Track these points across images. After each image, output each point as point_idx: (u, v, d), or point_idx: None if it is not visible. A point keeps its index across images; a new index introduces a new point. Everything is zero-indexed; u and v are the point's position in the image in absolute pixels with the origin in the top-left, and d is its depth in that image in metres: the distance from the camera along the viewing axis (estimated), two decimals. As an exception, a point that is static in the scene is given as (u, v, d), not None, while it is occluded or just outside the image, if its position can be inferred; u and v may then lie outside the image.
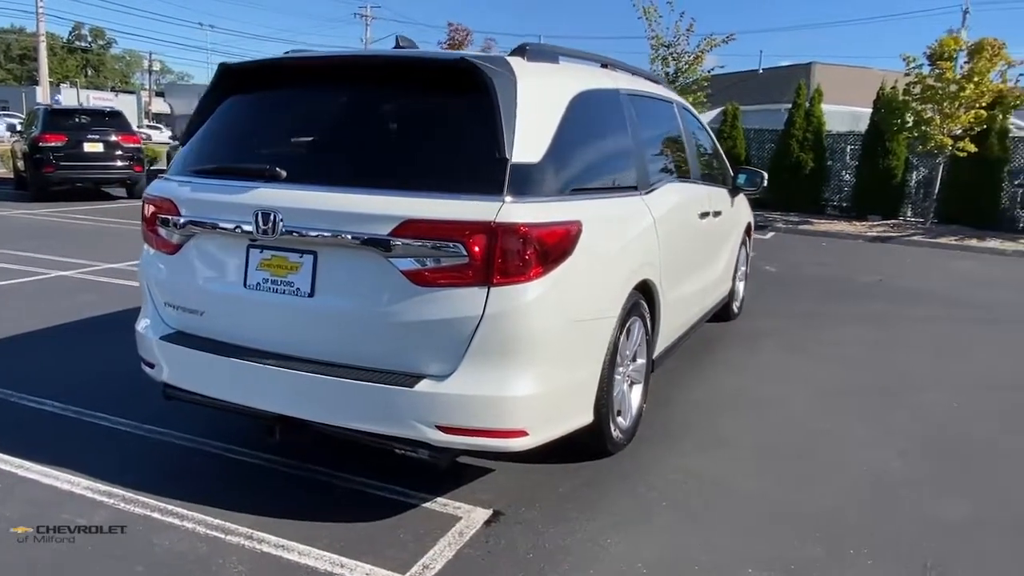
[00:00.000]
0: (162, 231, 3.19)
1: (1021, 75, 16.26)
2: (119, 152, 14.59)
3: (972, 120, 14.54)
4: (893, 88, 16.09)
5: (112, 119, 15.24)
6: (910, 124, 15.44)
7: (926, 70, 15.73)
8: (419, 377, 2.69)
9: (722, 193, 5.48)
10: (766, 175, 5.93)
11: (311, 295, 2.82)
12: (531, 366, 2.71)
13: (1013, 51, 15.27)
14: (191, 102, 9.47)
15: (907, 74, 15.79)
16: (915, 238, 14.30)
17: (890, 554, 2.86)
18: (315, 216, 2.77)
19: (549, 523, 2.98)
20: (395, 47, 3.75)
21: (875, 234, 14.82)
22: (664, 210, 3.84)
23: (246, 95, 3.33)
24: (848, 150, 18.37)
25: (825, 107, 18.46)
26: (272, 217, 2.80)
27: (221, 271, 3.07)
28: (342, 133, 3.09)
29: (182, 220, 3.08)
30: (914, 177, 17.24)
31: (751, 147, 19.95)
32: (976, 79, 14.51)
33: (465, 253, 2.58)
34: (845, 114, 23.60)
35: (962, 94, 14.56)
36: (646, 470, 3.46)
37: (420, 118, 3.04)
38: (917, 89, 15.34)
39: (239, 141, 3.29)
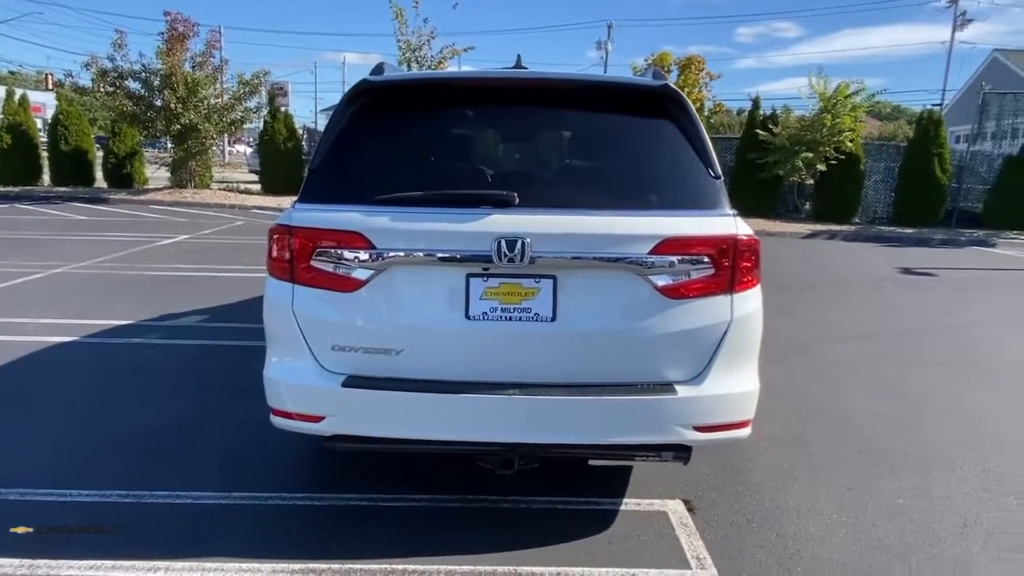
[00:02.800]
0: (335, 267, 2.89)
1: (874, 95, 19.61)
2: None
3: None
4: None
5: None
6: None
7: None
8: (670, 384, 2.90)
9: None
10: None
11: (553, 319, 2.85)
12: (755, 361, 3.08)
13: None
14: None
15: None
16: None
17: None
18: (565, 240, 2.79)
19: (735, 499, 3.41)
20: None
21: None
22: None
23: (410, 114, 3.14)
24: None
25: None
26: (519, 243, 2.76)
27: (430, 305, 2.87)
28: (558, 157, 3.10)
29: (376, 254, 2.83)
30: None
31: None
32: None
33: (712, 265, 2.86)
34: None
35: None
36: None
37: (631, 140, 3.13)
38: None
39: (430, 166, 3.09)
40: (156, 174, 21.26)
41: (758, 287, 3.01)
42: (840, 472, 3.76)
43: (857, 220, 19.04)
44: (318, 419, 2.91)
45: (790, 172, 17.75)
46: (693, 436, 2.90)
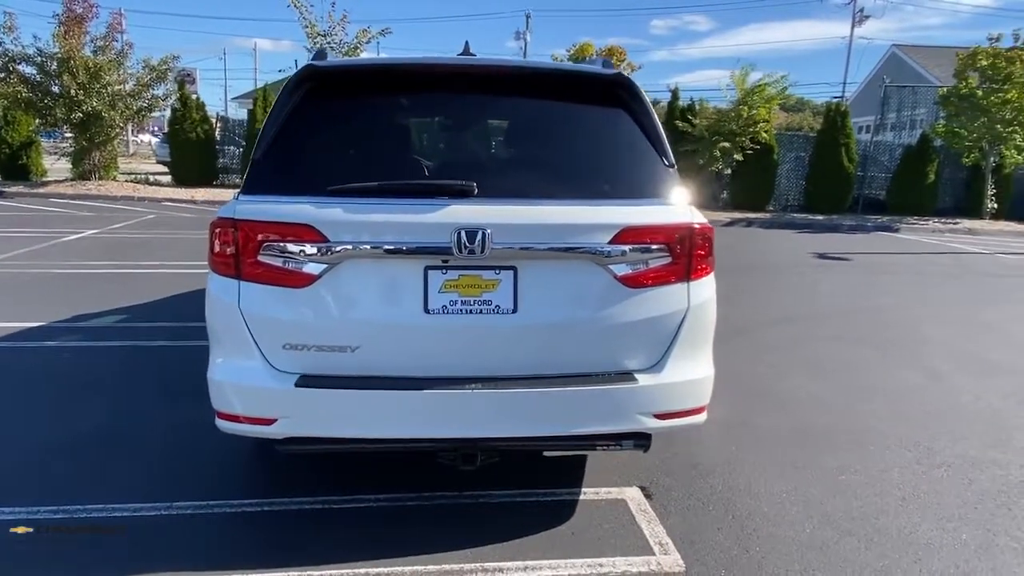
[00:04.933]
0: (285, 262, 2.75)
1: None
2: None
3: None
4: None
5: None
6: None
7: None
8: (631, 373, 2.91)
9: None
10: None
11: (514, 311, 2.79)
12: (710, 347, 3.12)
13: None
14: None
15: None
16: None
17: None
18: (525, 231, 2.75)
19: (689, 483, 3.47)
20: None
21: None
22: None
23: (359, 101, 3.01)
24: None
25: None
26: (480, 235, 2.68)
27: (387, 299, 2.77)
28: (512, 145, 3.03)
29: (329, 247, 2.70)
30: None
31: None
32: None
33: (669, 254, 2.88)
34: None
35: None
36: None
37: (586, 128, 3.09)
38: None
39: (382, 156, 2.96)
40: (56, 165, 19.94)
41: (712, 275, 3.05)
42: (784, 452, 3.88)
43: (771, 207, 19.81)
44: (269, 422, 2.76)
45: (709, 162, 18.26)
46: (654, 424, 2.92)
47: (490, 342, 2.82)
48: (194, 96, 20.69)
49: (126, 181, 19.88)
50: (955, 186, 19.76)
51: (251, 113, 19.67)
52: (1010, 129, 17.26)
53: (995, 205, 18.65)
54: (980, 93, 17.28)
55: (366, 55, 21.54)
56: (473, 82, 3.10)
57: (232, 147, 21.43)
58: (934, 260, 12.30)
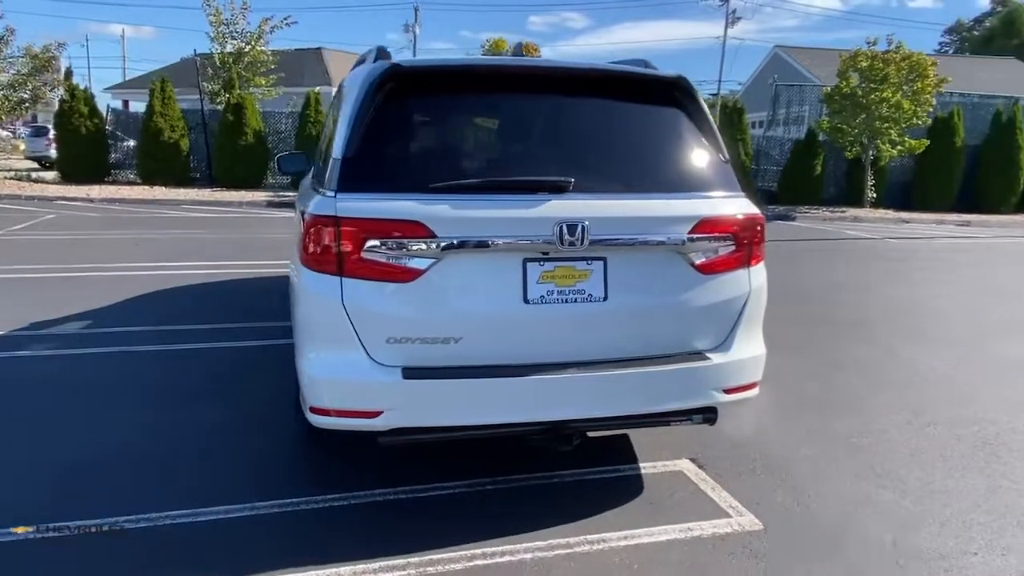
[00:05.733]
0: (392, 258, 2.81)
1: None
2: None
3: None
4: None
5: None
6: None
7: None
8: (703, 352, 3.16)
9: None
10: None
11: (604, 299, 2.98)
12: (761, 327, 3.41)
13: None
14: None
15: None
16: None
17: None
18: (617, 223, 2.94)
19: (729, 452, 3.78)
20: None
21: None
22: None
23: (443, 101, 3.14)
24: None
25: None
26: (579, 228, 2.85)
27: (488, 291, 2.90)
28: (591, 142, 3.17)
29: (437, 242, 2.79)
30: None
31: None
32: None
33: (735, 242, 3.15)
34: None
35: None
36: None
37: (657, 127, 3.31)
38: None
39: (474, 153, 3.08)
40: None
41: (763, 260, 3.35)
42: (796, 421, 4.27)
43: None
44: (374, 414, 2.82)
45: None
46: (723, 398, 3.19)
47: (583, 329, 3.00)
48: (83, 87, 19.28)
49: (7, 179, 18.30)
50: (839, 177, 21.46)
51: (149, 106, 18.57)
52: (886, 125, 18.97)
53: (874, 194, 20.42)
54: (860, 92, 18.89)
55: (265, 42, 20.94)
56: (551, 83, 3.26)
57: (124, 143, 20.14)
58: (839, 245, 13.43)
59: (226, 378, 4.67)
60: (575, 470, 3.48)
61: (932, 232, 16.60)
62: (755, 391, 3.32)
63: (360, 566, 2.69)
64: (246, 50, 20.67)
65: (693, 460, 3.67)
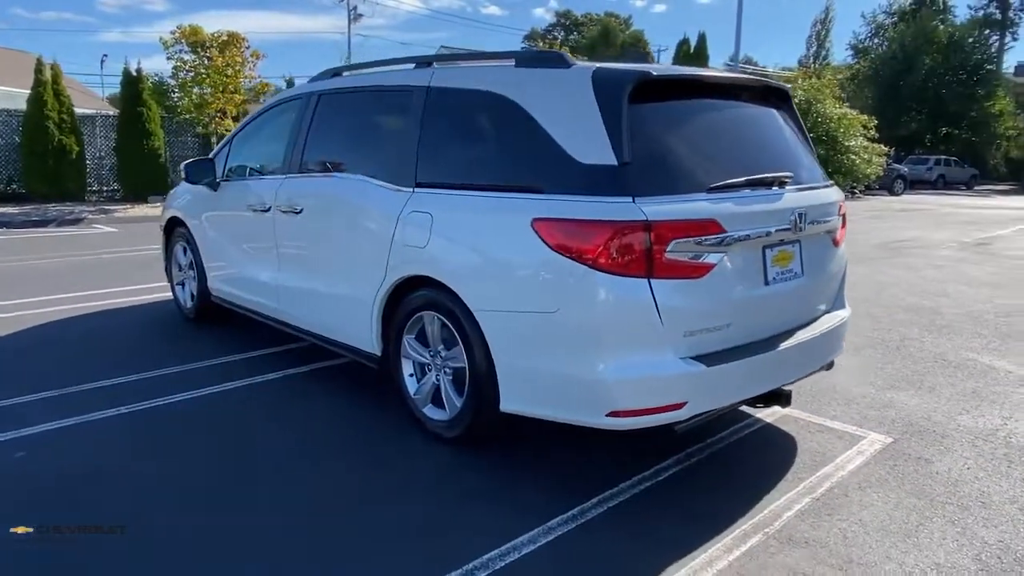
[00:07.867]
0: (690, 256, 3.04)
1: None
2: None
3: None
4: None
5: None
6: None
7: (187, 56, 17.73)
8: (834, 312, 3.92)
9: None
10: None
11: (802, 274, 3.57)
12: None
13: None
14: None
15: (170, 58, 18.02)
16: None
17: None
18: (816, 210, 3.59)
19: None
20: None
21: None
22: None
23: (683, 107, 3.47)
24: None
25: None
26: (805, 216, 3.45)
27: (744, 278, 3.27)
28: (770, 141, 3.75)
29: (726, 238, 3.10)
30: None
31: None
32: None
33: (843, 220, 3.98)
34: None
35: None
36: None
37: (794, 127, 3.98)
38: None
39: (717, 155, 3.47)
40: None
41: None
42: (874, 377, 5.04)
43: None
44: (680, 406, 3.02)
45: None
46: (843, 349, 4.03)
47: (794, 301, 3.59)
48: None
49: None
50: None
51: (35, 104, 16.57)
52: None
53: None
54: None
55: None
56: (751, 91, 3.82)
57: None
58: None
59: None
60: (713, 437, 3.91)
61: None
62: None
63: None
64: None
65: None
